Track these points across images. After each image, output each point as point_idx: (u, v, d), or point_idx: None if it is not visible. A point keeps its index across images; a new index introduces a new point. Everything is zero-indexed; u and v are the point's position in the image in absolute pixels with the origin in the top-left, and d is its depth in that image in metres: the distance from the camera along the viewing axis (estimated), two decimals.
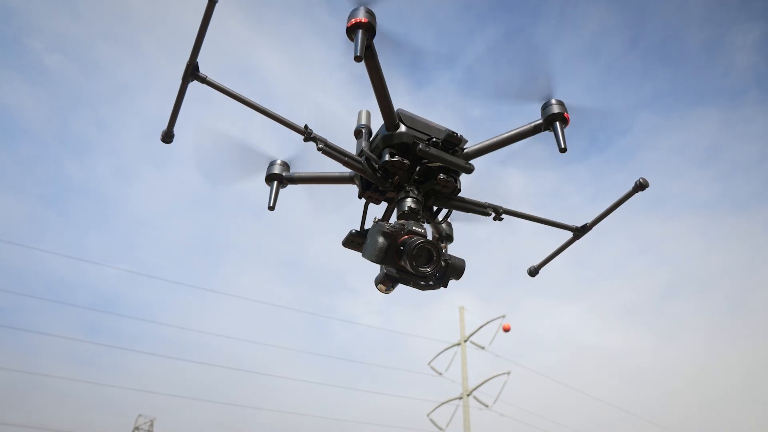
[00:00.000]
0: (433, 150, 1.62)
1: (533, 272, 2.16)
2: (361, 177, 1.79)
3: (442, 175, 1.71)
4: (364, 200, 1.84)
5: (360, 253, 1.89)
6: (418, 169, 1.71)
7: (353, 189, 2.00)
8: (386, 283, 1.61)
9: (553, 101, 1.76)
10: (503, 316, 20.34)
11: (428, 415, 19.48)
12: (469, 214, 1.89)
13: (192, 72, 1.55)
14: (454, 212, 1.85)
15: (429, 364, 20.66)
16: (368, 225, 1.85)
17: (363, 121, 1.87)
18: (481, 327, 20.56)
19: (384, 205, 1.86)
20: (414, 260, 1.47)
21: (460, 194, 1.80)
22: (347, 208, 2.08)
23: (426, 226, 1.67)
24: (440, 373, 20.27)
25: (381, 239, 1.53)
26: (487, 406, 19.10)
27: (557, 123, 1.72)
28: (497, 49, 1.94)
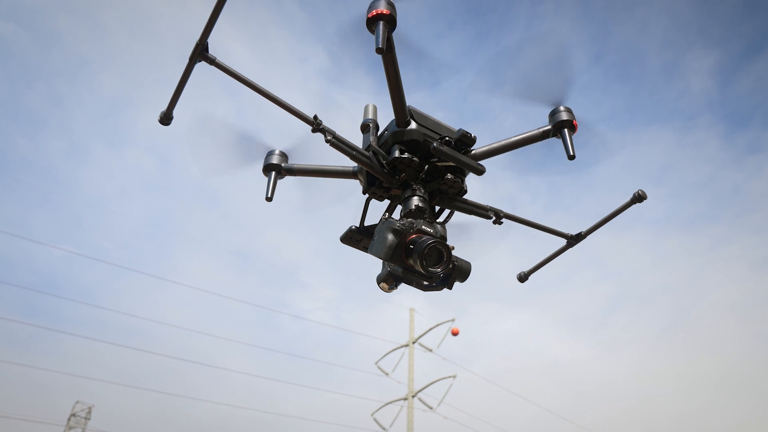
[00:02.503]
0: (446, 149, 1.60)
1: (523, 278, 2.17)
2: (367, 172, 1.75)
3: (449, 175, 1.70)
4: (365, 196, 1.80)
5: (355, 249, 1.86)
6: (426, 167, 1.69)
7: (348, 185, 1.96)
8: (389, 281, 1.58)
9: (562, 108, 1.77)
10: (452, 320, 20.61)
11: (372, 415, 19.51)
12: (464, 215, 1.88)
13: (201, 52, 1.48)
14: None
15: (376, 363, 20.70)
16: (365, 222, 1.82)
17: (370, 116, 1.83)
18: (430, 330, 20.76)
19: (374, 202, 1.83)
20: (425, 260, 1.45)
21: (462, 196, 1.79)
22: (338, 204, 2.04)
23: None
24: (387, 374, 20.33)
25: (391, 236, 1.50)
26: (431, 408, 19.29)
27: (566, 130, 1.73)
28: (522, 46, 1.92)
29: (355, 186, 1.92)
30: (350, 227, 1.80)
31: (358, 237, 1.81)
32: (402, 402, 19.43)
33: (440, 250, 1.47)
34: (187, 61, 1.51)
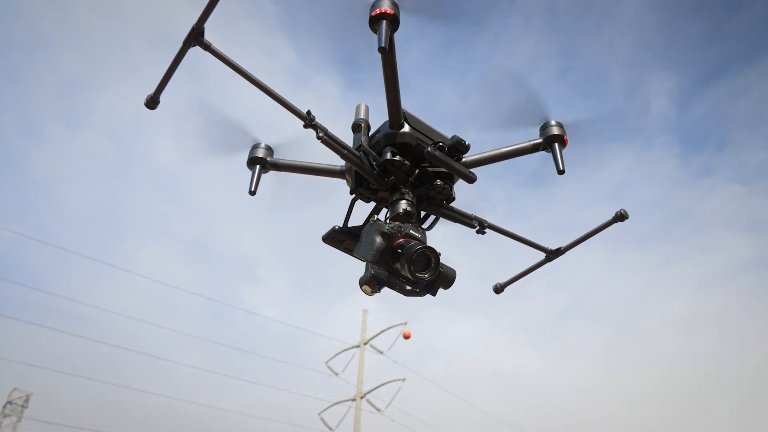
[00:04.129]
0: (440, 154, 1.58)
1: (499, 289, 2.18)
2: (356, 173, 1.73)
3: (439, 182, 1.69)
4: (352, 197, 1.78)
5: (337, 249, 1.83)
6: (417, 172, 1.68)
7: (329, 185, 1.93)
8: (372, 284, 1.56)
9: (553, 123, 1.79)
10: (405, 324, 20.68)
11: (320, 414, 19.38)
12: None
13: (196, 36, 1.43)
14: None
15: (326, 363, 20.57)
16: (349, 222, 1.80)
17: (362, 116, 1.81)
18: (382, 332, 20.77)
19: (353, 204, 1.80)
20: (412, 265, 1.44)
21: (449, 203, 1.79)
22: (312, 206, 2.01)
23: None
24: (336, 374, 20.23)
25: (379, 239, 1.48)
26: (379, 410, 19.30)
27: (556, 144, 1.75)
28: (483, 86, 1.93)
29: (329, 188, 1.90)
30: (333, 227, 1.77)
31: (341, 238, 1.78)
32: (350, 403, 19.38)
33: (428, 256, 1.46)
34: (180, 44, 1.46)
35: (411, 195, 1.67)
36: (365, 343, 20.67)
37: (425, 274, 1.46)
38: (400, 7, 1.43)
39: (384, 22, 1.41)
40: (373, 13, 1.42)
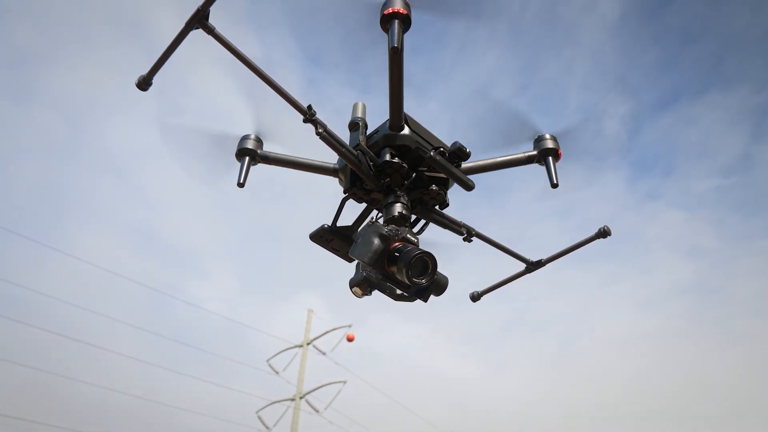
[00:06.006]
0: (441, 160, 1.57)
1: (475, 297, 2.18)
2: (351, 172, 1.69)
3: (434, 187, 1.68)
4: (343, 196, 1.74)
5: (325, 249, 1.79)
6: (414, 175, 1.66)
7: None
8: (363, 287, 1.54)
9: (548, 136, 1.81)
10: (349, 326, 20.62)
11: (257, 412, 19.05)
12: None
13: (200, 19, 1.37)
14: None
15: (268, 361, 20.26)
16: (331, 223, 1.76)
17: (359, 114, 1.77)
18: (326, 333, 20.64)
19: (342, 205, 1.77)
20: (410, 269, 1.41)
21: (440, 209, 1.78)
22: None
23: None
24: (277, 372, 19.96)
25: (377, 241, 1.45)
26: (317, 411, 19.14)
27: (550, 158, 1.76)
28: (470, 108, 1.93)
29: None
30: (323, 225, 1.73)
31: (329, 237, 1.74)
32: (289, 402, 19.13)
33: (426, 262, 1.45)
34: (182, 25, 1.39)
35: (406, 198, 1.65)
36: (308, 344, 20.49)
37: (422, 280, 1.44)
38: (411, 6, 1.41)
39: (396, 21, 1.39)
40: (386, 12, 1.40)
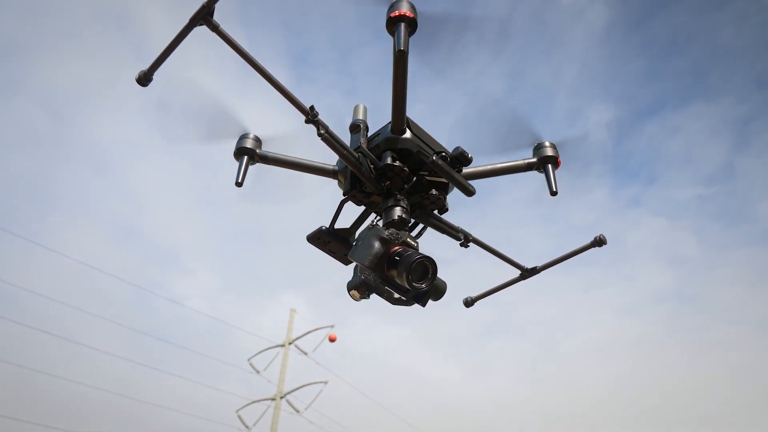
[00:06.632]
0: (443, 164, 1.57)
1: (469, 303, 2.18)
2: (351, 174, 1.68)
3: (434, 191, 1.67)
4: (342, 198, 1.73)
5: (321, 251, 1.78)
6: (415, 179, 1.66)
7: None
8: (361, 290, 1.53)
9: (547, 143, 1.81)
10: (332, 326, 20.57)
11: (237, 412, 18.91)
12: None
13: (204, 15, 1.35)
14: None
15: (249, 360, 20.12)
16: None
17: (360, 116, 1.76)
18: (308, 333, 20.56)
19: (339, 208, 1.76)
20: (411, 274, 1.41)
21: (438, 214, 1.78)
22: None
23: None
24: (258, 371, 19.83)
25: (378, 244, 1.45)
26: (298, 411, 19.05)
27: (549, 166, 1.77)
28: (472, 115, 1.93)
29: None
30: (320, 227, 1.72)
31: (326, 239, 1.73)
32: (269, 402, 19.02)
33: (426, 266, 1.44)
34: (186, 21, 1.37)
35: (406, 202, 1.65)
36: (290, 343, 20.39)
37: (422, 284, 1.43)
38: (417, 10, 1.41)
39: (402, 24, 1.39)
40: (392, 15, 1.40)
